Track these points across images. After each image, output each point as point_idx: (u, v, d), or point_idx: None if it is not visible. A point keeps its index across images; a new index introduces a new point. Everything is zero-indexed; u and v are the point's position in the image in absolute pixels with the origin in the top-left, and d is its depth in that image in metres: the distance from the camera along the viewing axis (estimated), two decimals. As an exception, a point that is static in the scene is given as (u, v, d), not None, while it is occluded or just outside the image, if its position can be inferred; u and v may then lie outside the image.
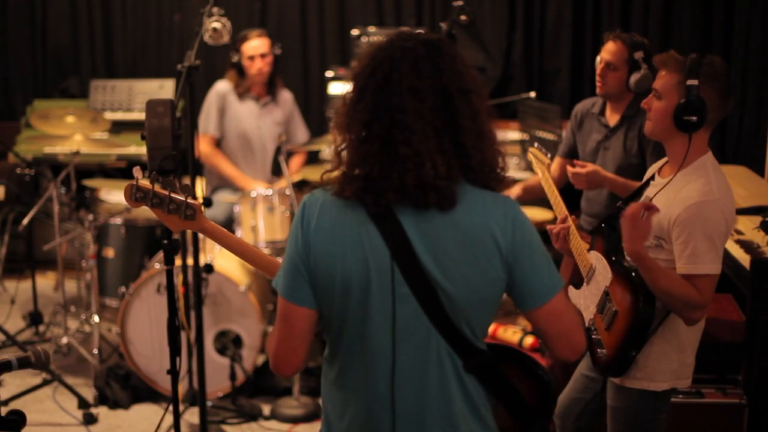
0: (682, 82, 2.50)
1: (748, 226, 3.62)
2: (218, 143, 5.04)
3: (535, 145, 3.22)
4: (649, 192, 2.66)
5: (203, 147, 4.89)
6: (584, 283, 2.74)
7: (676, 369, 2.61)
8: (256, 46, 4.86)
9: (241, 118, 4.98)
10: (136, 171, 2.29)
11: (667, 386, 2.62)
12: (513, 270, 1.79)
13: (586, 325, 2.70)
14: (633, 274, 2.52)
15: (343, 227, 1.79)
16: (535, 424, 1.93)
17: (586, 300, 2.72)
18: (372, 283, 1.78)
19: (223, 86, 4.99)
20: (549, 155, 3.10)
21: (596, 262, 2.68)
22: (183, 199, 2.28)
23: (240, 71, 4.94)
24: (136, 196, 2.30)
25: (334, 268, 1.78)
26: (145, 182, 2.29)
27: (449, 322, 1.78)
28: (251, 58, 4.87)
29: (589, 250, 2.73)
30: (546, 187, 2.99)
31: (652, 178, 2.70)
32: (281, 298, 1.84)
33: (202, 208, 2.30)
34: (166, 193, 2.28)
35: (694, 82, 2.47)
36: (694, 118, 2.48)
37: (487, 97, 1.84)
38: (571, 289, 2.80)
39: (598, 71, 3.53)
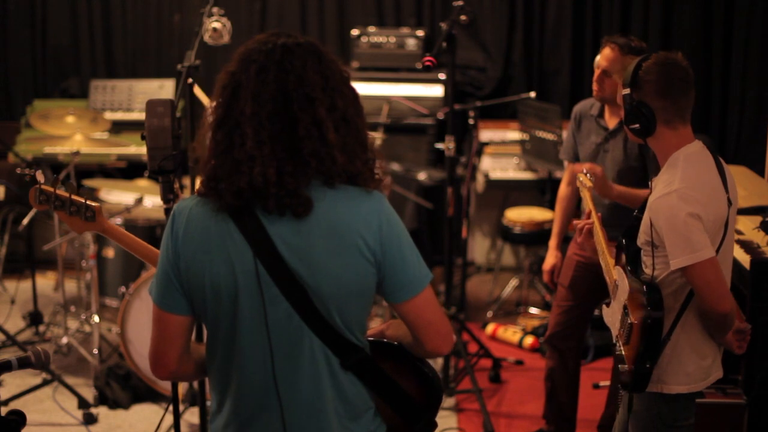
0: (620, 93, 2.50)
1: (748, 226, 3.61)
2: None
3: (584, 172, 3.14)
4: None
5: None
6: (612, 300, 2.68)
7: (691, 372, 2.50)
8: None
9: None
10: (39, 175, 2.43)
11: (683, 389, 2.51)
12: (383, 264, 1.80)
13: (614, 341, 2.61)
14: (645, 286, 2.44)
15: (209, 234, 1.79)
16: (419, 419, 1.95)
17: (613, 317, 2.65)
18: (240, 288, 1.78)
19: None
20: (592, 178, 3.10)
21: (619, 277, 2.62)
22: (83, 201, 2.41)
23: None
24: (40, 199, 2.44)
25: (203, 276, 1.80)
26: (47, 186, 2.44)
27: (322, 320, 1.79)
28: None
29: (615, 265, 2.67)
30: (588, 207, 2.95)
31: None
32: (154, 305, 1.87)
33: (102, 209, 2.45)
34: (67, 195, 2.43)
35: (626, 91, 2.45)
36: (637, 125, 2.45)
37: (350, 104, 1.80)
38: (604, 308, 2.74)
39: (594, 76, 3.50)
